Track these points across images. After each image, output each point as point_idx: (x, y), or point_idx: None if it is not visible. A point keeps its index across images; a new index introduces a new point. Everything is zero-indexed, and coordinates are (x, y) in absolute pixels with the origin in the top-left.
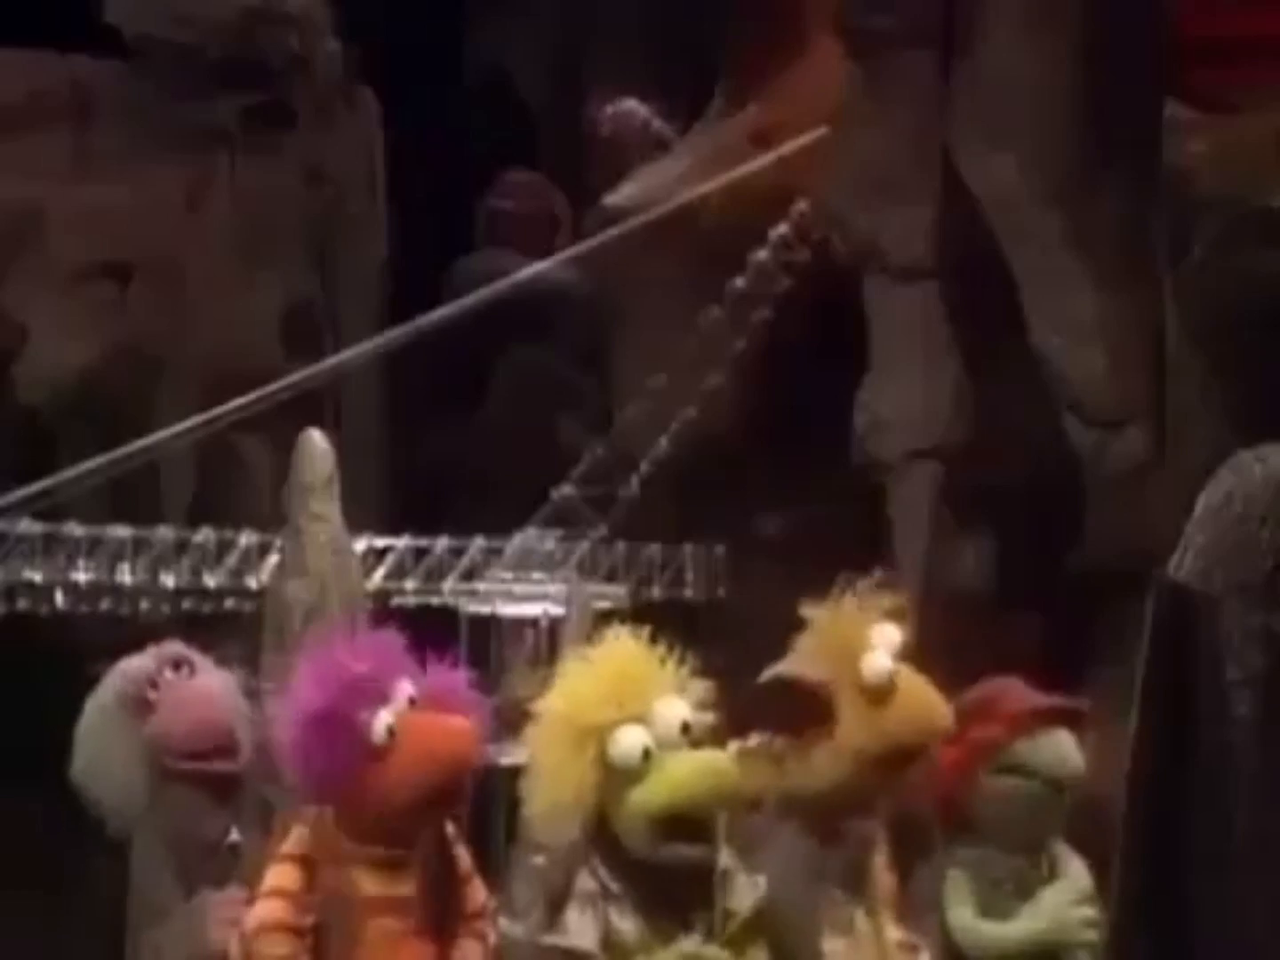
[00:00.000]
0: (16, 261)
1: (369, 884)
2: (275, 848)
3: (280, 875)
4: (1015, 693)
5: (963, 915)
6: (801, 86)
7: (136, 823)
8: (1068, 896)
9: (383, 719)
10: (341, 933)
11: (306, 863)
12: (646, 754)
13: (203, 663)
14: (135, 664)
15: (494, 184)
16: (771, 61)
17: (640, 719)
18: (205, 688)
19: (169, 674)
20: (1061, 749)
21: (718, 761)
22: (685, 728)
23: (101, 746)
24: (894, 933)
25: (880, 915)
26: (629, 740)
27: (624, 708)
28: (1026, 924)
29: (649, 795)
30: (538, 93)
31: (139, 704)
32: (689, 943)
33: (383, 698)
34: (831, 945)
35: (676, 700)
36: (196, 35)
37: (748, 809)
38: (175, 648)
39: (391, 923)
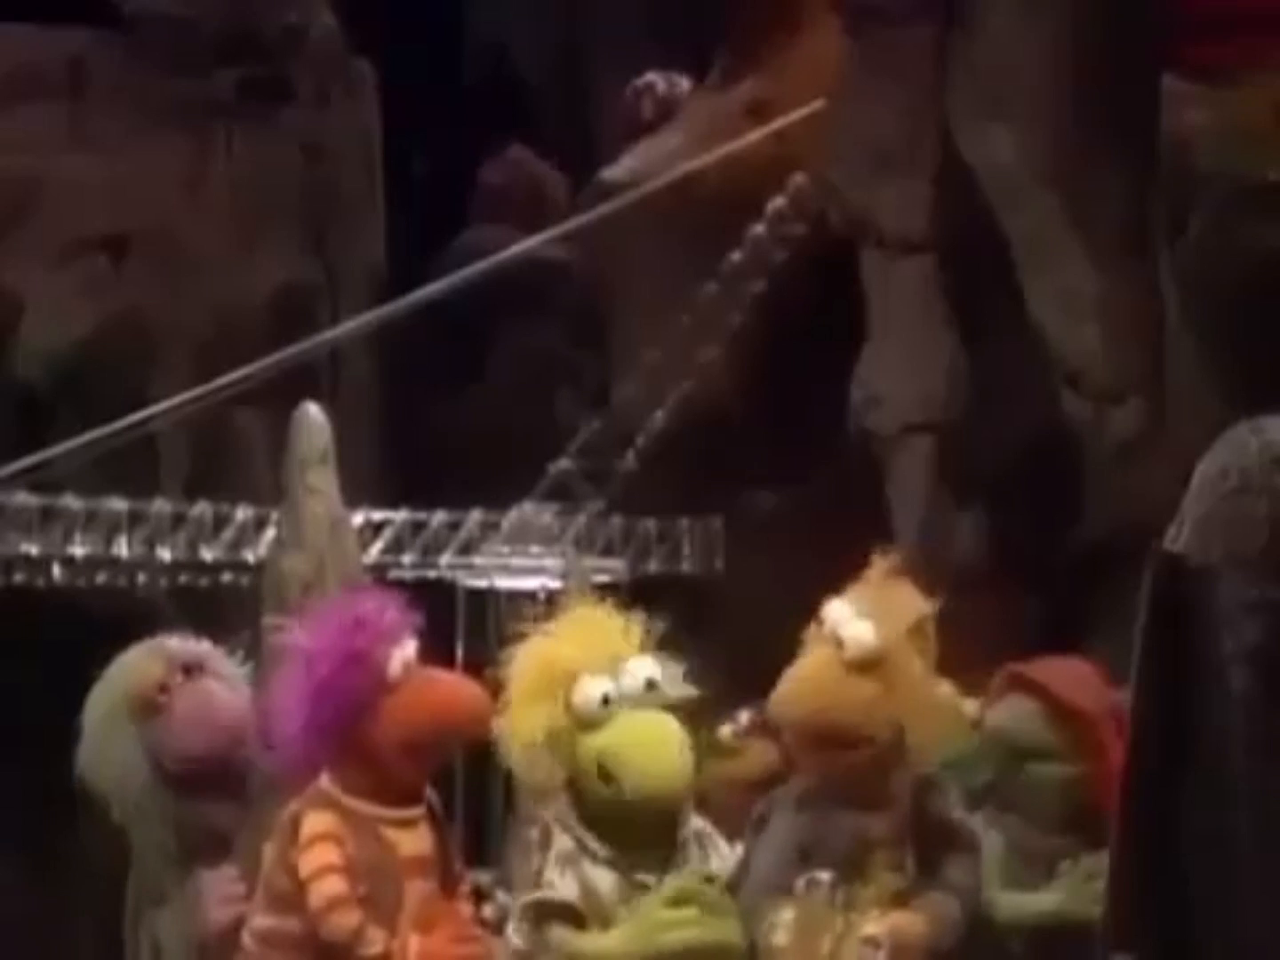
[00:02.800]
0: (12, 235)
1: (402, 845)
2: (288, 838)
3: (322, 854)
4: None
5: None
6: (799, 60)
7: (141, 816)
8: (1087, 871)
9: (399, 654)
10: (386, 899)
11: (337, 839)
12: (605, 701)
13: (213, 662)
14: (146, 665)
15: (490, 157)
16: (769, 35)
17: (608, 670)
18: (214, 696)
19: (179, 678)
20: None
21: (671, 730)
22: (650, 685)
23: (105, 742)
24: (865, 926)
25: (859, 909)
26: (591, 687)
27: (592, 657)
28: (1043, 896)
29: (602, 742)
30: (536, 67)
31: (146, 706)
32: (682, 879)
33: (396, 639)
34: (785, 915)
35: (647, 659)
36: (193, 8)
37: (744, 791)
38: (186, 647)
39: (425, 883)
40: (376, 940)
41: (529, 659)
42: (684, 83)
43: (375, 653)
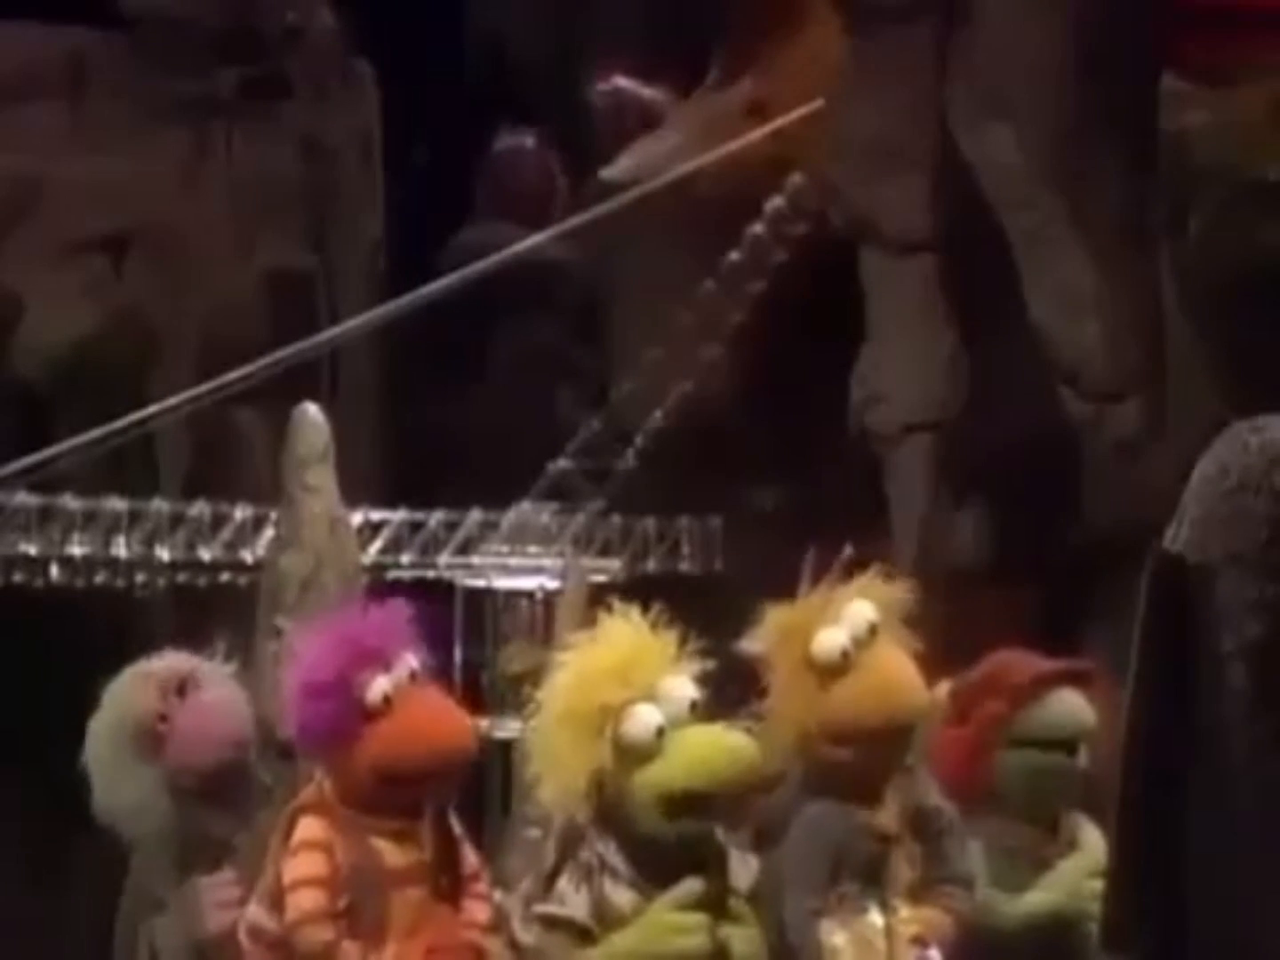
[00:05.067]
0: (13, 233)
1: (392, 855)
2: (283, 837)
3: (306, 864)
4: (1017, 663)
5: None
6: (798, 58)
7: (151, 835)
8: (1084, 868)
9: (380, 685)
10: (371, 909)
11: (325, 847)
12: (660, 732)
13: (206, 673)
14: (141, 698)
15: (490, 153)
16: (768, 33)
17: (650, 697)
18: (211, 706)
19: (175, 700)
20: (1066, 706)
21: (734, 738)
22: (693, 705)
23: (115, 779)
24: (908, 928)
25: (896, 911)
26: (643, 718)
27: (635, 686)
28: (1041, 895)
29: (665, 773)
30: (535, 63)
31: (149, 739)
32: (673, 915)
33: (385, 665)
34: (837, 940)
35: (683, 679)
36: (194, 8)
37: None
38: (176, 667)
39: (415, 892)
40: (350, 954)
41: (563, 697)
42: (634, 87)
43: (352, 681)
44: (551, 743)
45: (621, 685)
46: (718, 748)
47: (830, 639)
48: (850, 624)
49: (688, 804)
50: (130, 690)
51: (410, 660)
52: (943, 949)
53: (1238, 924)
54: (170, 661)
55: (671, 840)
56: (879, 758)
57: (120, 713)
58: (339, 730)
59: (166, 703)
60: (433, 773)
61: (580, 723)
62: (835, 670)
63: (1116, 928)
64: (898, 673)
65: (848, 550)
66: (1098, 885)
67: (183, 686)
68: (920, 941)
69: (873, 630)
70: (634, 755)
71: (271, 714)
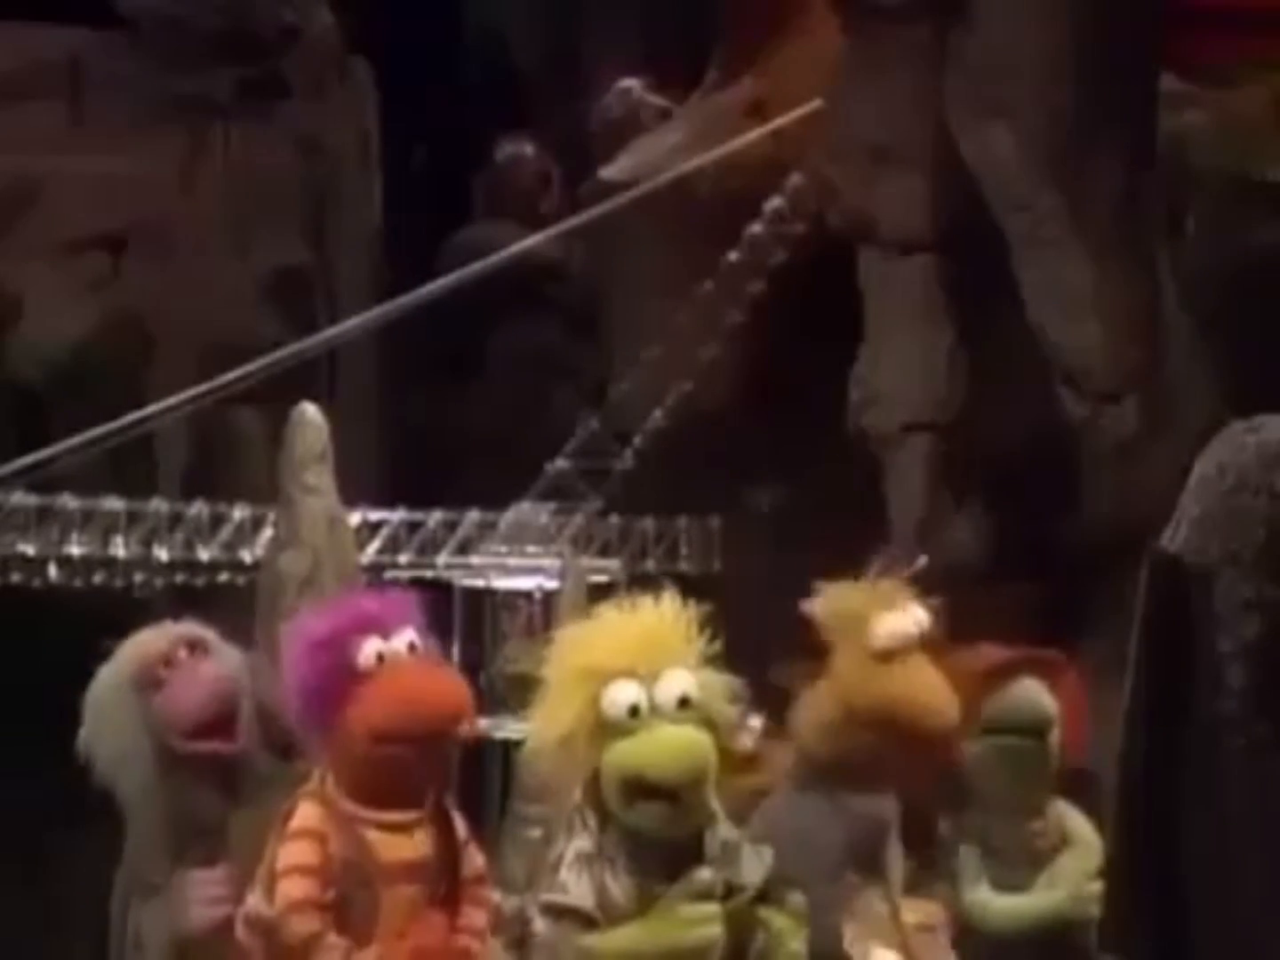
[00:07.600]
0: (11, 233)
1: (385, 850)
2: (282, 824)
3: (299, 852)
4: (981, 654)
5: (975, 890)
6: (797, 58)
7: (137, 796)
8: (1083, 869)
9: (374, 645)
10: (361, 904)
11: (320, 837)
12: (634, 712)
13: (217, 644)
14: (150, 640)
15: (488, 153)
16: (767, 33)
17: (640, 677)
18: (215, 670)
19: (183, 653)
20: (1027, 696)
21: (690, 737)
22: (684, 702)
23: (108, 717)
24: (910, 915)
25: (896, 899)
26: (620, 694)
27: (627, 660)
28: (1042, 896)
29: (623, 755)
30: (535, 62)
31: (149, 680)
32: (687, 907)
33: (382, 632)
34: (850, 929)
35: (685, 673)
36: (191, 7)
37: (756, 798)
38: (192, 628)
39: (408, 890)
40: (336, 947)
41: (565, 653)
42: (639, 89)
43: (343, 640)
44: (546, 696)
45: (615, 656)
46: (672, 742)
47: (891, 623)
48: (914, 622)
49: (640, 790)
50: (145, 635)
51: (410, 634)
52: (948, 938)
53: (1237, 923)
54: (191, 626)
55: (633, 825)
56: (896, 749)
57: (129, 650)
58: (331, 689)
59: (174, 651)
60: (424, 733)
61: (570, 681)
62: (892, 656)
63: (1116, 927)
64: (937, 683)
65: (922, 560)
66: (1099, 887)
67: (194, 645)
68: (927, 928)
69: (923, 633)
70: (608, 730)
71: (270, 710)
